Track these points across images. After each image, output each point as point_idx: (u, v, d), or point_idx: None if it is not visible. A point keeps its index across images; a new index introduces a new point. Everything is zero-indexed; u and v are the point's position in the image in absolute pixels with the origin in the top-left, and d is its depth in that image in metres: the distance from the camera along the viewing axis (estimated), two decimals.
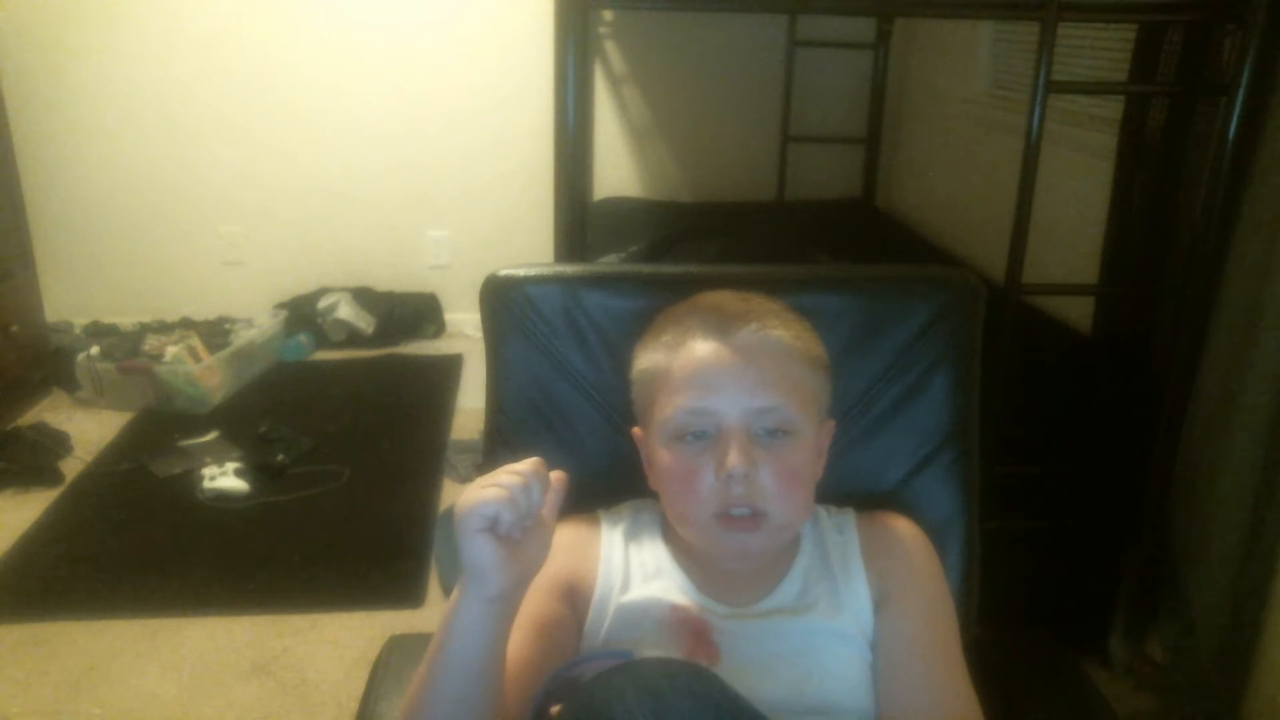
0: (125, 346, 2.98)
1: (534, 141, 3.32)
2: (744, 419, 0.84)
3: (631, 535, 0.94)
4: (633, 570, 0.91)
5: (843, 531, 0.93)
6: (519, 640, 0.82)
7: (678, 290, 0.96)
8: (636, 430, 0.95)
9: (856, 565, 0.90)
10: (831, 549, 0.92)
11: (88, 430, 2.77)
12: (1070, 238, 2.16)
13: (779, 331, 0.88)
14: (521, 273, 1.03)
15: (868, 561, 0.91)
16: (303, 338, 3.37)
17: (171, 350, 2.93)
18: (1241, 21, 1.44)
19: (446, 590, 2.04)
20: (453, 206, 3.57)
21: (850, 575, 0.90)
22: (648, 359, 0.91)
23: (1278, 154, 1.46)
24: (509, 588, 0.75)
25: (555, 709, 0.75)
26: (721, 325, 0.87)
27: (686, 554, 0.91)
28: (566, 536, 0.93)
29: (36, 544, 2.22)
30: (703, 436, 0.85)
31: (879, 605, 0.88)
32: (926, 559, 0.93)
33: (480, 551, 0.72)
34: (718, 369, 0.85)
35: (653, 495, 0.95)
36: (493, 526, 0.73)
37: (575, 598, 0.90)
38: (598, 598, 0.90)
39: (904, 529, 0.94)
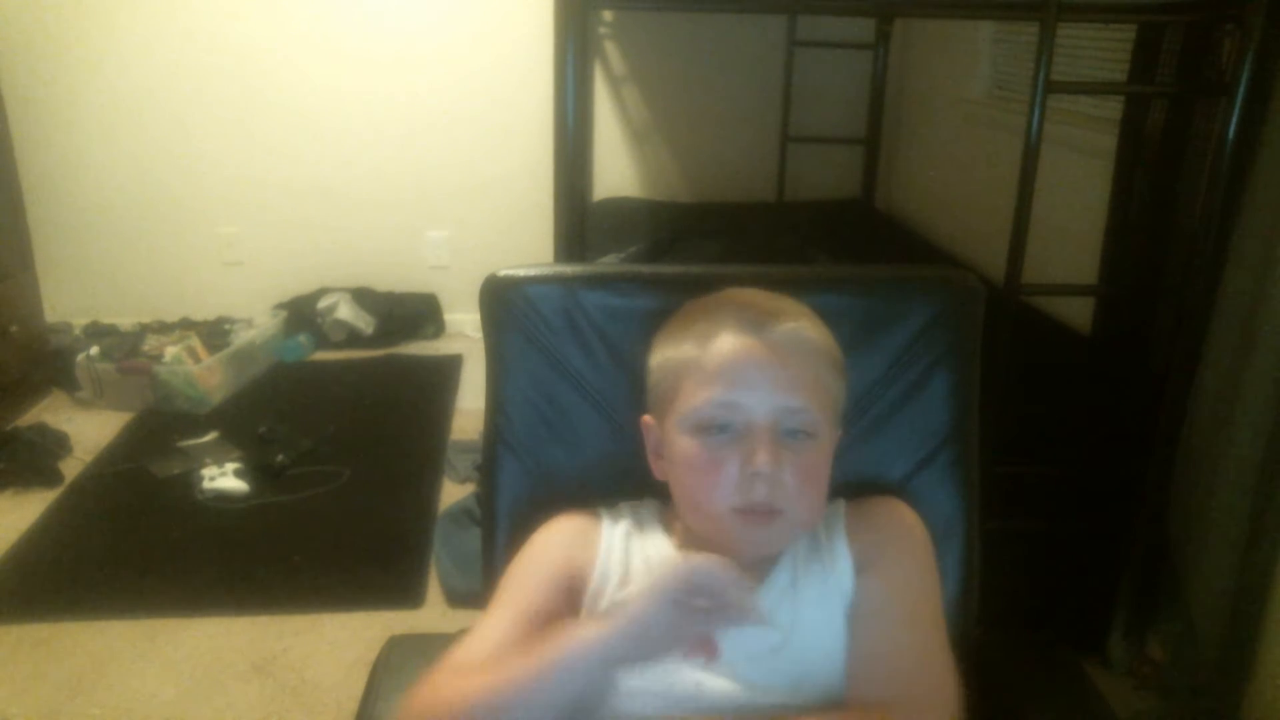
0: (125, 347, 2.98)
1: (534, 141, 3.32)
2: (773, 417, 0.83)
3: (632, 531, 0.94)
4: (634, 565, 0.91)
5: (831, 516, 0.93)
6: (517, 635, 0.82)
7: (678, 290, 0.96)
8: (647, 418, 0.94)
9: (840, 540, 0.90)
10: (820, 533, 0.91)
11: (88, 430, 2.77)
12: (1070, 238, 2.15)
13: (812, 333, 0.88)
14: (521, 273, 1.03)
15: (851, 535, 0.90)
16: (302, 338, 3.37)
17: (171, 350, 2.93)
18: (1241, 22, 1.44)
19: (447, 590, 2.04)
20: (452, 207, 3.57)
21: (835, 551, 0.89)
22: (675, 348, 0.90)
23: (1278, 154, 1.46)
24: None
25: None
26: (757, 321, 0.86)
27: (688, 549, 0.90)
28: (567, 530, 0.93)
29: (36, 544, 2.22)
30: (728, 429, 0.84)
31: (859, 571, 0.87)
32: (909, 530, 0.92)
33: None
34: (752, 364, 0.84)
35: (652, 491, 0.94)
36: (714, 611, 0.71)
37: (572, 591, 0.89)
38: (592, 590, 0.89)
39: (890, 503, 0.94)
